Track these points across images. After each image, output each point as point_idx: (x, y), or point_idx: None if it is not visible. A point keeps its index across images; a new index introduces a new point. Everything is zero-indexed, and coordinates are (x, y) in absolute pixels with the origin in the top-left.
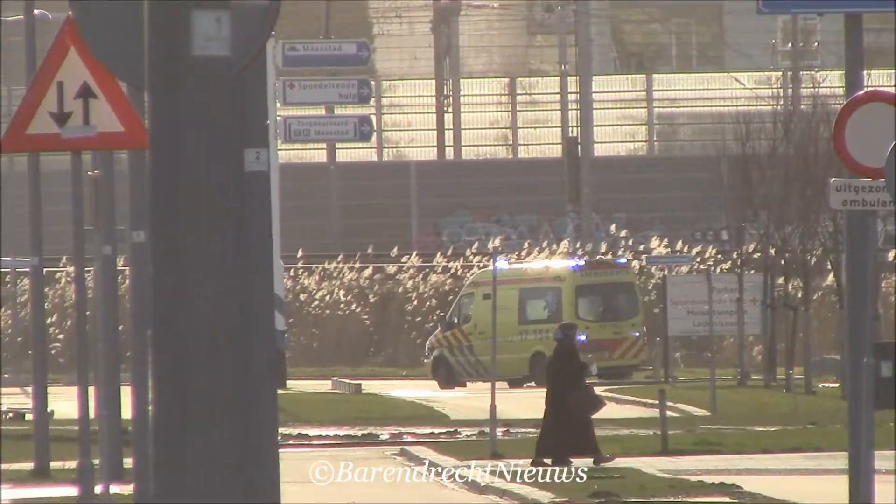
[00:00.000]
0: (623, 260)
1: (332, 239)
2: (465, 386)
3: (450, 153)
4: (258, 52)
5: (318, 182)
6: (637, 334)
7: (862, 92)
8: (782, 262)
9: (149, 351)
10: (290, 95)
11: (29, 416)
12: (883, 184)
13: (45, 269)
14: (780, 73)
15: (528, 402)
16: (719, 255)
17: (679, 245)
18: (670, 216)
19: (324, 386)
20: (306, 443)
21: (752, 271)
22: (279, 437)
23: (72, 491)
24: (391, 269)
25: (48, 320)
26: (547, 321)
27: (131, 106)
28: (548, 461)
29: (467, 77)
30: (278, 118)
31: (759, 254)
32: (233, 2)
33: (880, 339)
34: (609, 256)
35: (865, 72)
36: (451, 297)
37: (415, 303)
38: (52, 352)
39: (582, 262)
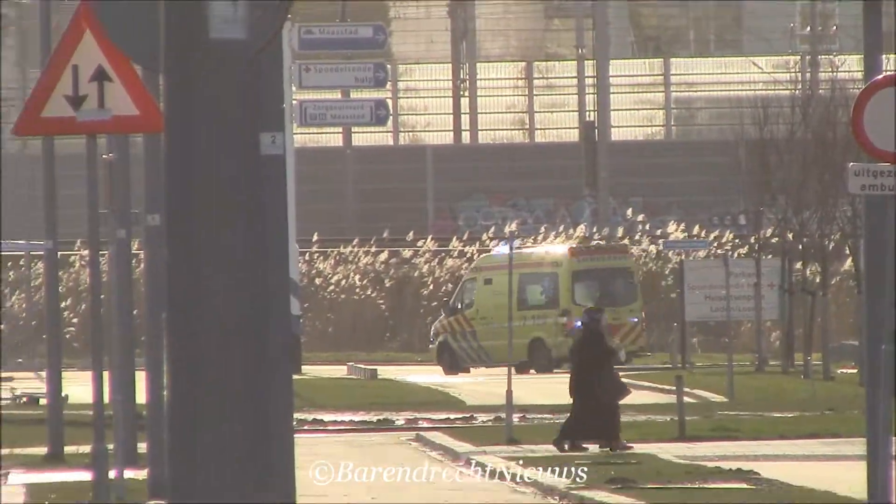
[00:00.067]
0: (622, 244)
1: (348, 223)
2: (468, 372)
3: (466, 137)
4: (274, 36)
5: (333, 166)
6: (635, 320)
7: (881, 76)
8: (800, 246)
9: (164, 335)
10: (306, 79)
11: (43, 401)
12: None
13: (59, 253)
14: (799, 57)
15: (545, 388)
16: (737, 240)
17: (696, 230)
18: (687, 201)
19: (339, 371)
20: (321, 428)
21: (770, 256)
22: (294, 423)
23: (86, 476)
24: (407, 253)
25: (62, 304)
26: (545, 307)
27: (146, 89)
28: (566, 445)
29: (484, 61)
30: (294, 102)
31: (776, 238)
32: None
33: None
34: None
35: (884, 56)
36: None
37: (431, 287)
38: (67, 336)
39: (565, 248)
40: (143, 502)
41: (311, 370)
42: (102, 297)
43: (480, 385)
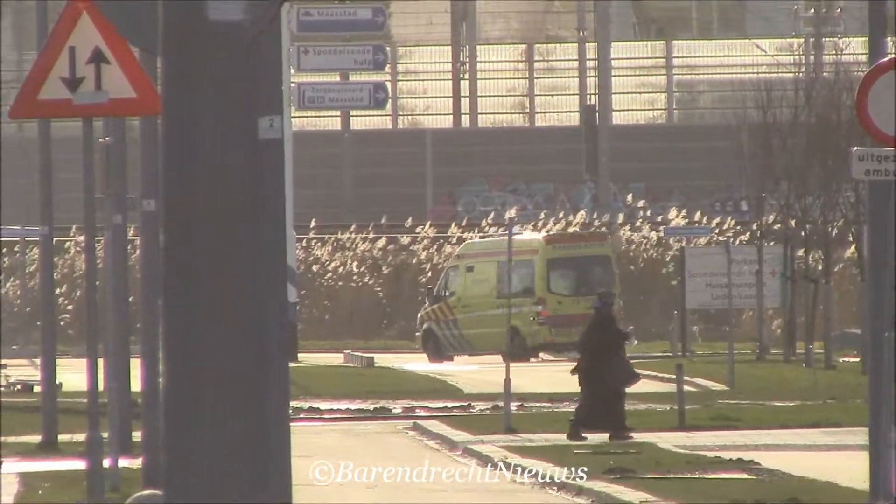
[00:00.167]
0: (600, 232)
1: (346, 208)
2: (452, 360)
3: (466, 121)
4: (273, 17)
5: (331, 150)
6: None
7: (885, 59)
8: (803, 233)
9: (160, 323)
10: (305, 61)
11: (37, 388)
12: None
13: (54, 239)
14: (803, 40)
15: (544, 377)
16: (739, 227)
17: (698, 216)
18: (689, 186)
19: (336, 359)
20: (318, 417)
21: (772, 243)
22: (290, 412)
23: (80, 464)
24: (405, 239)
25: (57, 291)
26: (521, 295)
27: (144, 71)
28: (586, 435)
29: (484, 43)
30: (292, 84)
31: (779, 225)
32: None
33: None
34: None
35: (889, 38)
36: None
37: (429, 274)
38: (61, 323)
39: (543, 234)
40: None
41: (307, 358)
42: (98, 283)
43: (478, 373)
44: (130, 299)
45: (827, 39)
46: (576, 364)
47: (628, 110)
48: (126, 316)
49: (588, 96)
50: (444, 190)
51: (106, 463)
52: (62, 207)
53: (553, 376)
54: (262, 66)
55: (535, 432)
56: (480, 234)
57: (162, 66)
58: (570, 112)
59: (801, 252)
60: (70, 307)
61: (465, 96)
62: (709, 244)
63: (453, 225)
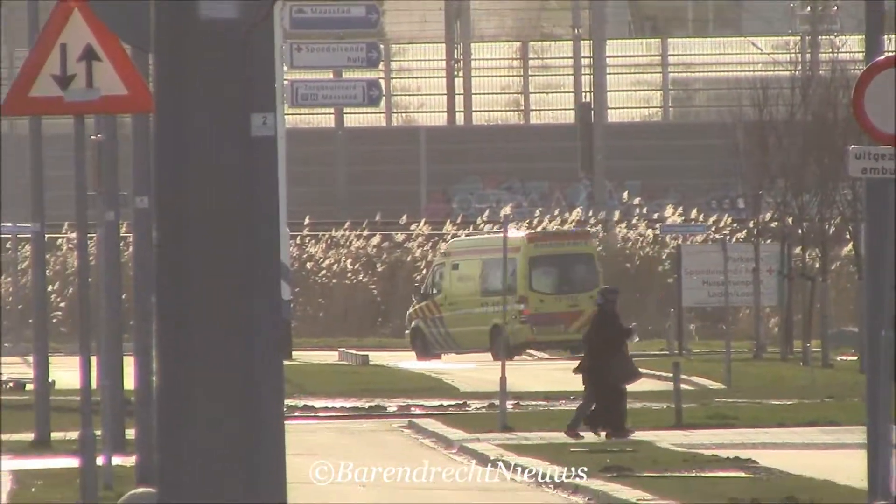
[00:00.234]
0: (583, 230)
1: (340, 206)
2: (439, 358)
3: (460, 118)
4: (266, 14)
5: (325, 147)
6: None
7: (882, 57)
8: (800, 231)
9: (153, 320)
10: (298, 59)
11: (29, 386)
12: None
13: (46, 236)
14: (799, 38)
15: (540, 375)
16: (735, 224)
17: (694, 213)
18: (685, 184)
19: (330, 357)
20: (312, 415)
21: (769, 241)
22: (284, 410)
23: (73, 462)
24: (399, 237)
25: (49, 288)
26: (502, 293)
27: (135, 68)
28: (604, 431)
29: (478, 41)
30: (285, 82)
31: (776, 223)
32: None
33: None
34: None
35: (886, 36)
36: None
37: (423, 272)
38: (54, 320)
39: (524, 233)
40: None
41: (301, 356)
42: (90, 280)
43: (474, 371)
44: (123, 297)
45: (823, 37)
46: (578, 363)
47: (624, 108)
48: (119, 313)
49: (583, 94)
50: (438, 187)
51: (99, 461)
52: (54, 205)
53: (549, 374)
54: (255, 63)
55: (530, 430)
56: (466, 233)
57: (154, 63)
58: (566, 110)
59: (798, 250)
60: (62, 304)
61: (459, 94)
62: (705, 242)
63: (448, 222)
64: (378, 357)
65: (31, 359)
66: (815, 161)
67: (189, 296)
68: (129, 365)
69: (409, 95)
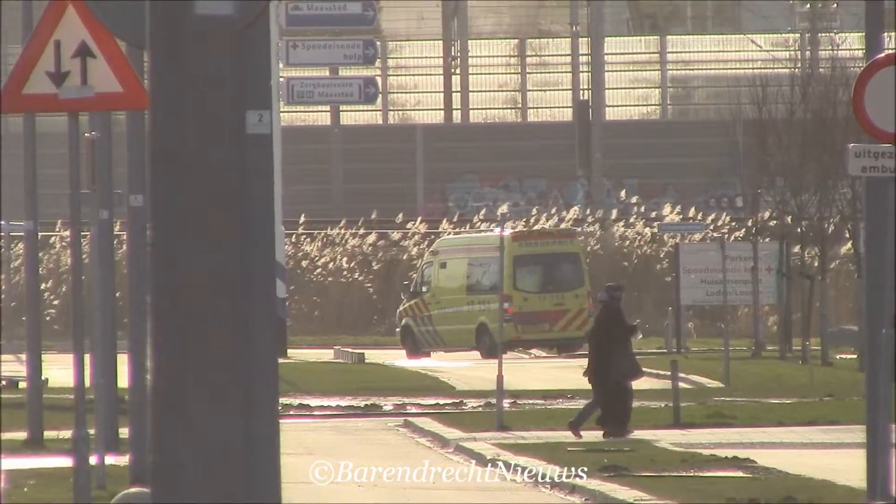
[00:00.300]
0: (570, 229)
1: (335, 204)
2: (429, 356)
3: (457, 116)
4: (262, 12)
5: (321, 145)
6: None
7: (882, 55)
8: (799, 229)
9: (147, 319)
10: (294, 56)
11: (22, 384)
12: None
13: (39, 234)
14: (798, 35)
15: (537, 373)
16: (734, 223)
17: (692, 212)
18: (683, 182)
19: (326, 355)
20: (308, 413)
21: (768, 239)
22: (279, 409)
23: (66, 461)
24: (395, 235)
25: (43, 286)
26: (489, 291)
27: (130, 65)
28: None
29: (476, 38)
30: (281, 79)
31: (774, 221)
32: None
33: None
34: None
35: (886, 34)
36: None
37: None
38: (47, 318)
39: (509, 231)
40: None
41: (297, 354)
42: (84, 278)
43: (471, 370)
44: (117, 295)
45: (823, 35)
46: (587, 365)
47: (622, 106)
48: (113, 312)
49: (581, 91)
50: (435, 186)
51: (92, 460)
52: (47, 202)
53: (547, 373)
54: (251, 60)
55: (527, 429)
56: (455, 231)
57: (149, 60)
58: (563, 108)
59: (796, 248)
60: (56, 302)
61: (456, 91)
62: (703, 240)
63: (444, 221)
64: (374, 355)
65: (24, 356)
66: (815, 159)
67: (184, 294)
68: (123, 363)
69: (406, 93)
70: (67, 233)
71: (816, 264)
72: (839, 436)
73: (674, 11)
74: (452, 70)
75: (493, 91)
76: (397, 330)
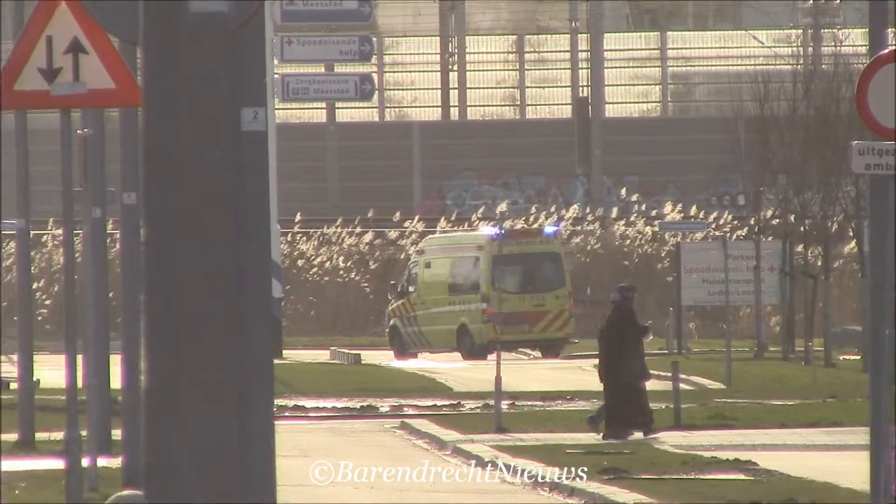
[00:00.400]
0: (551, 229)
1: (331, 202)
2: (416, 357)
3: (454, 113)
4: (256, 10)
5: (316, 143)
6: (565, 306)
7: (886, 51)
8: (802, 228)
9: (141, 319)
10: (289, 52)
11: (14, 385)
12: None
13: (31, 232)
14: (801, 31)
15: (536, 375)
16: (736, 222)
17: (693, 210)
18: (685, 180)
19: (322, 356)
20: (303, 415)
21: (770, 238)
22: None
23: (58, 463)
24: (393, 234)
25: (34, 285)
26: (469, 292)
27: (123, 62)
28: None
29: (473, 34)
30: (276, 76)
31: (777, 220)
32: None
33: None
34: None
35: (890, 30)
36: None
37: None
38: (39, 318)
39: (501, 231)
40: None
41: (292, 355)
42: (76, 277)
43: (468, 371)
44: (110, 295)
45: (826, 30)
46: (598, 366)
47: (622, 103)
48: (105, 311)
49: (580, 88)
50: (432, 183)
51: (85, 462)
52: (39, 200)
53: (545, 374)
54: (246, 57)
55: (526, 431)
56: (442, 231)
57: (142, 56)
58: (562, 105)
59: (799, 247)
60: (48, 302)
61: (453, 88)
62: (705, 239)
63: (442, 219)
64: (370, 356)
65: (15, 357)
66: (818, 157)
67: (178, 294)
68: (116, 364)
69: (403, 90)
70: (60, 231)
71: (820, 263)
72: (842, 438)
73: (674, 7)
74: (450, 66)
75: (492, 88)
76: (386, 330)
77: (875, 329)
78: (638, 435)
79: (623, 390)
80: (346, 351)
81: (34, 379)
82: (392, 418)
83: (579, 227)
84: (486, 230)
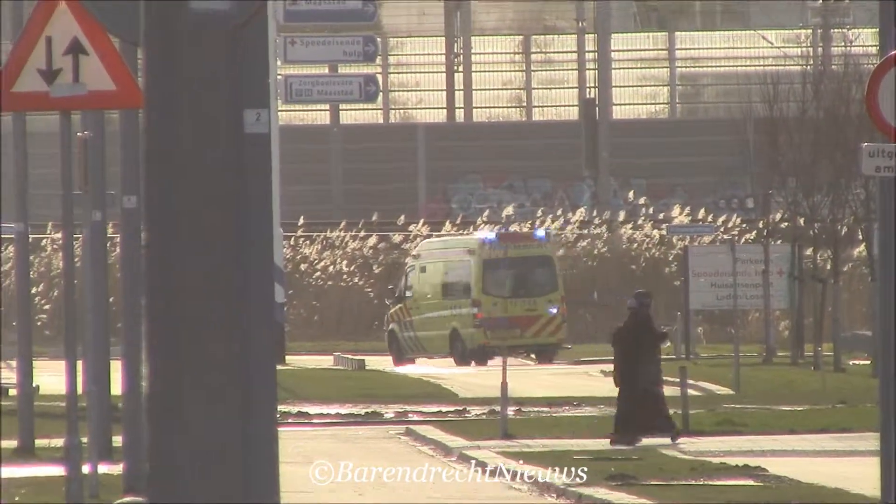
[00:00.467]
0: (542, 234)
1: (335, 205)
2: (413, 362)
3: (460, 115)
4: (260, 7)
5: (320, 145)
6: (554, 310)
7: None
8: (811, 231)
9: (142, 323)
10: (292, 53)
11: (13, 392)
12: None
13: (30, 236)
14: (810, 31)
15: (542, 380)
16: (744, 225)
17: (701, 213)
18: (692, 183)
19: (325, 361)
20: (307, 421)
21: (779, 241)
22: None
23: (58, 470)
24: (397, 238)
25: (34, 290)
26: (461, 296)
27: (124, 63)
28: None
29: (479, 34)
30: (279, 77)
31: (786, 223)
32: None
33: None
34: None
35: None
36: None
37: None
38: (38, 323)
39: (493, 235)
40: (118, 499)
41: (295, 360)
42: (76, 282)
43: (474, 376)
44: (110, 299)
45: (836, 30)
46: (613, 372)
47: (629, 104)
48: (105, 316)
49: (587, 89)
50: (437, 186)
51: (85, 469)
52: (38, 204)
53: (552, 380)
54: (248, 57)
55: (532, 438)
56: (436, 234)
57: (144, 58)
58: (569, 106)
59: (808, 251)
60: (47, 307)
61: (459, 89)
62: (713, 243)
63: (447, 223)
64: (374, 362)
65: (14, 363)
66: (827, 159)
67: (179, 298)
68: (117, 370)
69: (408, 91)
70: (59, 235)
71: (829, 267)
72: (852, 443)
73: (682, 7)
74: (455, 67)
75: (497, 89)
76: (385, 335)
77: (885, 333)
78: (646, 441)
79: (639, 396)
80: (350, 356)
81: (34, 385)
82: (397, 424)
83: (586, 231)
84: (479, 233)
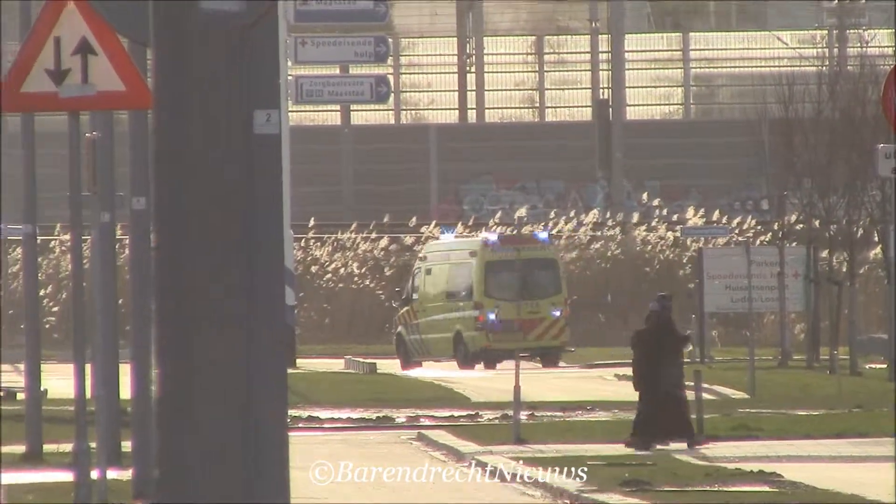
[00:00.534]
0: (544, 235)
1: (346, 206)
2: (420, 365)
3: (472, 116)
4: (270, 7)
5: (331, 146)
6: (557, 313)
7: None
8: (827, 233)
9: (152, 326)
10: (303, 53)
11: (21, 396)
12: None
13: (38, 238)
14: (826, 32)
15: (555, 384)
16: (759, 227)
17: (716, 215)
18: (707, 184)
19: (336, 365)
20: (317, 426)
21: (795, 244)
22: (288, 420)
23: (66, 476)
24: (408, 239)
25: (42, 292)
26: (463, 299)
27: (133, 63)
28: (657, 444)
29: (491, 35)
30: (289, 78)
31: (801, 225)
32: None
33: None
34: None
35: None
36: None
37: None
38: (46, 326)
39: (495, 237)
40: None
41: (306, 363)
42: (85, 284)
43: (486, 380)
44: (119, 302)
45: (851, 31)
46: (633, 376)
47: (643, 105)
48: (114, 319)
49: (601, 90)
50: (449, 188)
51: (94, 474)
52: (47, 205)
53: (565, 384)
54: (258, 58)
55: (546, 443)
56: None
57: (153, 57)
58: (582, 107)
59: (824, 253)
60: (55, 309)
61: (471, 90)
62: (728, 245)
63: (459, 224)
64: (386, 365)
65: (22, 366)
66: (843, 160)
67: (189, 300)
68: (126, 373)
69: (419, 92)
70: (67, 237)
71: (845, 269)
72: (868, 449)
73: (696, 8)
74: (467, 68)
75: (510, 90)
76: (393, 338)
77: None
78: (661, 446)
79: (661, 399)
80: (361, 360)
81: (42, 389)
82: (408, 429)
83: (599, 233)
84: (483, 235)
